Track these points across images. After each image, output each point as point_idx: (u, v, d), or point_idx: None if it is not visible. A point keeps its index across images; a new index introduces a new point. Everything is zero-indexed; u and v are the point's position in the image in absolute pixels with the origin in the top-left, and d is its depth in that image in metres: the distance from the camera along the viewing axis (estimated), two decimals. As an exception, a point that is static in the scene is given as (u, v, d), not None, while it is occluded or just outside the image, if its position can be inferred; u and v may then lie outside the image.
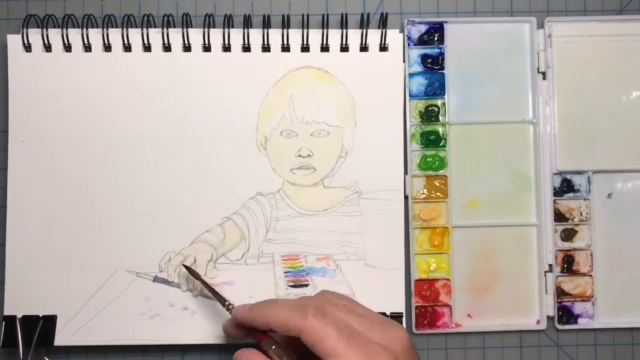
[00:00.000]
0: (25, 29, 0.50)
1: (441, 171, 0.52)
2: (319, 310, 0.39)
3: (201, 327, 0.49)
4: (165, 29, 0.50)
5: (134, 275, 0.50)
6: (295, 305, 0.40)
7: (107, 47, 0.50)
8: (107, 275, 0.50)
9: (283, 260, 0.50)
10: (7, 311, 0.49)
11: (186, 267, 0.48)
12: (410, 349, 0.40)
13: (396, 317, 0.50)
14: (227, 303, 0.45)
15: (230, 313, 0.45)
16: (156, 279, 0.50)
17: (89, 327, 0.49)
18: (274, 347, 0.41)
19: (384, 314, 0.49)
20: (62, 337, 0.49)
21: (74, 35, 0.50)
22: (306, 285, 0.50)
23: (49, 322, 0.49)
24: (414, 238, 0.51)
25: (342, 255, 0.50)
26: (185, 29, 0.50)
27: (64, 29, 0.50)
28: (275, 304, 0.41)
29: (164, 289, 0.50)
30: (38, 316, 0.49)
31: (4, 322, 0.49)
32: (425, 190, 0.52)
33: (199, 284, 0.48)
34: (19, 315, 0.49)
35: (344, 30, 0.50)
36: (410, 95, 0.52)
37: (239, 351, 0.42)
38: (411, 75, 0.52)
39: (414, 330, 0.51)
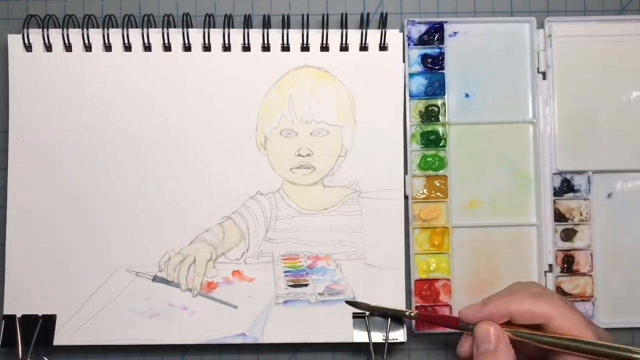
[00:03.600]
0: (25, 29, 0.50)
1: (441, 171, 0.52)
2: (555, 294, 0.41)
3: (201, 327, 0.49)
4: (165, 29, 0.50)
5: (134, 275, 0.50)
6: (533, 293, 0.41)
7: (108, 47, 0.51)
8: (106, 275, 0.50)
9: (283, 259, 0.50)
10: (7, 310, 0.49)
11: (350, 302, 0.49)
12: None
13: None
14: (408, 312, 0.47)
15: (413, 318, 0.47)
16: (156, 279, 0.50)
17: (88, 327, 0.49)
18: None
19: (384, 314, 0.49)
20: (62, 337, 0.49)
21: (75, 35, 0.50)
22: (306, 285, 0.50)
23: (49, 321, 0.49)
24: (414, 238, 0.51)
25: (342, 254, 0.50)
26: (185, 29, 0.50)
27: (65, 29, 0.50)
28: (515, 293, 0.42)
29: (164, 289, 0.50)
30: (37, 315, 0.49)
31: (3, 322, 0.49)
32: (425, 190, 0.52)
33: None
34: (19, 315, 0.49)
35: (344, 30, 0.50)
36: (410, 95, 0.52)
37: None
38: (411, 75, 0.52)
39: (414, 331, 0.51)
